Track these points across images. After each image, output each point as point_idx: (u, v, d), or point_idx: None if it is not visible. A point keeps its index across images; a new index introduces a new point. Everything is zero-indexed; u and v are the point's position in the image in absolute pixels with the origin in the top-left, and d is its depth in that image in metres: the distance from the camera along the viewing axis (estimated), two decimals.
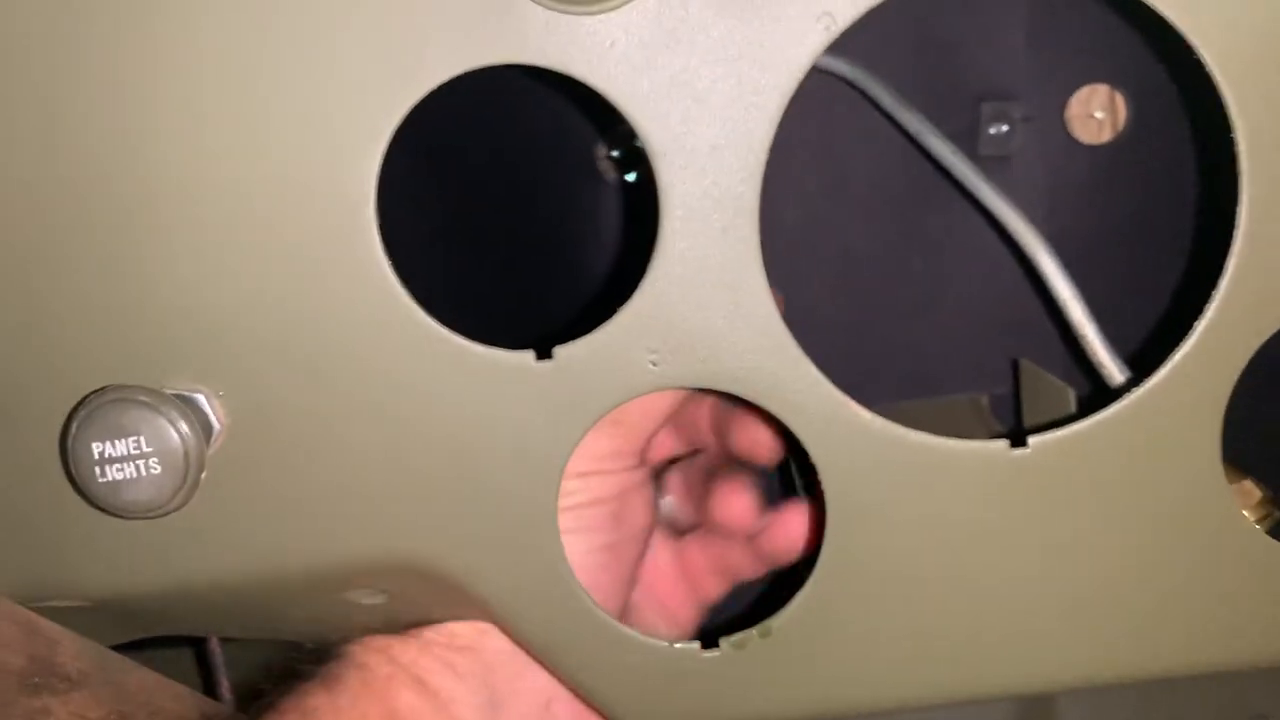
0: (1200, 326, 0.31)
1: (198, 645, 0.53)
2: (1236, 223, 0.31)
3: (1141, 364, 0.41)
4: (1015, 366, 0.55)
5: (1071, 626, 0.34)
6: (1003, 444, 0.33)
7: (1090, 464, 0.33)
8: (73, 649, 0.34)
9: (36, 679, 0.32)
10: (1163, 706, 0.67)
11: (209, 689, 0.51)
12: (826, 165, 0.58)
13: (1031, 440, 0.33)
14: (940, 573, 0.34)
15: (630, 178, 0.59)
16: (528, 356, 0.33)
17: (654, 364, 0.32)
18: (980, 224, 0.59)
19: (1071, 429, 0.33)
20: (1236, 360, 0.32)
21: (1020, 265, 0.59)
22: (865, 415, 0.33)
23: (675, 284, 0.32)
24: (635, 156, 0.58)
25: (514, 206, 0.60)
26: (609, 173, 0.59)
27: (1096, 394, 0.38)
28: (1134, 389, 0.32)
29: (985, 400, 0.59)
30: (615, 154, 0.58)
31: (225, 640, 0.51)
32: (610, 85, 0.30)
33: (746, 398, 0.33)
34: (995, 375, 0.59)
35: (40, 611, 0.34)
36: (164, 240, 0.32)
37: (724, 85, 0.30)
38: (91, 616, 0.35)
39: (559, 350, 0.33)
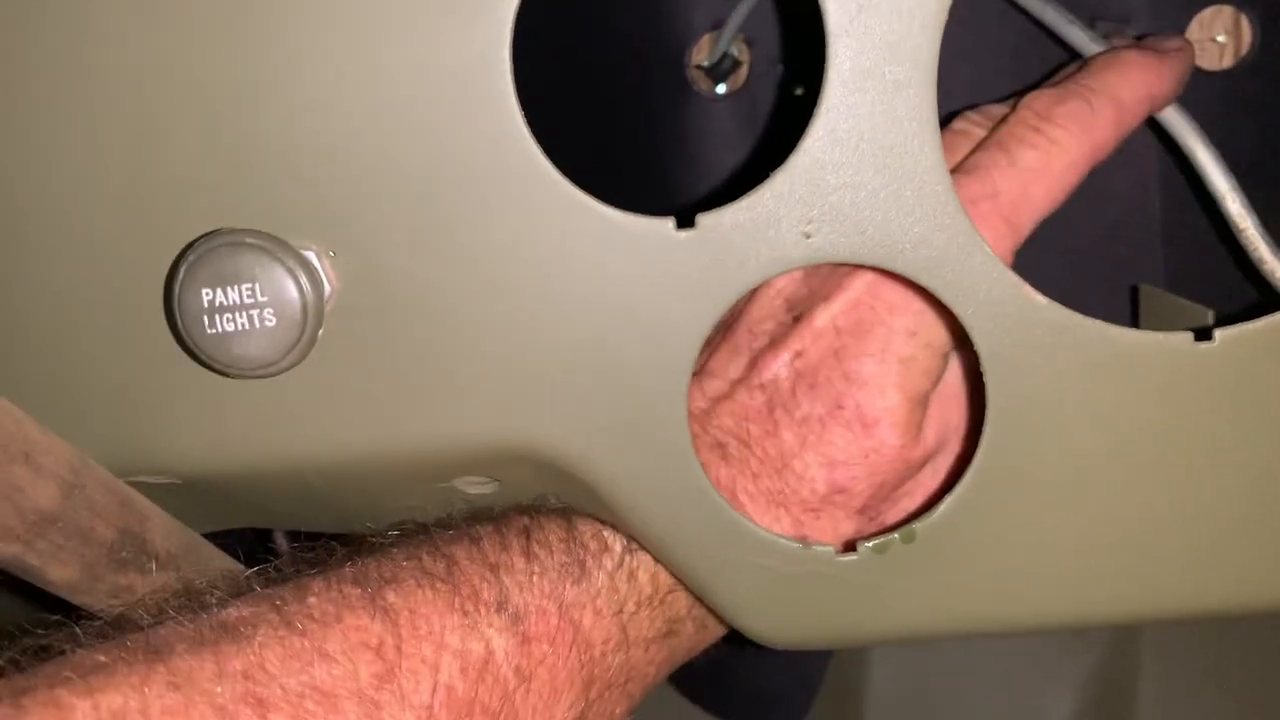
0: None
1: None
2: None
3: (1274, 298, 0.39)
4: (1135, 293, 0.52)
5: (1248, 543, 0.31)
6: (1186, 336, 0.30)
7: None
8: (163, 528, 0.31)
9: (125, 554, 0.30)
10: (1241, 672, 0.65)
11: None
12: None
13: (1217, 334, 0.30)
14: (1108, 477, 0.31)
15: (721, 90, 0.56)
16: (667, 224, 0.30)
17: (808, 235, 0.30)
18: None
19: (1263, 321, 0.30)
20: None
21: (1128, 199, 0.56)
22: (1040, 300, 0.30)
23: (838, 145, 0.29)
24: (727, 67, 0.55)
25: (599, 117, 0.57)
26: (699, 83, 0.56)
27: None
28: None
29: None
30: (706, 64, 0.55)
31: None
32: None
33: (908, 275, 0.30)
34: (1100, 312, 0.56)
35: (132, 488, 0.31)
36: (279, 85, 0.29)
37: None
38: (177, 499, 0.33)
39: (702, 218, 0.30)
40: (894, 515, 0.35)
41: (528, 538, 0.33)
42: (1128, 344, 0.30)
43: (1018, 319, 0.30)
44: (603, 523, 0.34)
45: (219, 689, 0.25)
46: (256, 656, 0.26)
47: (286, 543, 0.43)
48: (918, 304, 0.33)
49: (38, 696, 0.24)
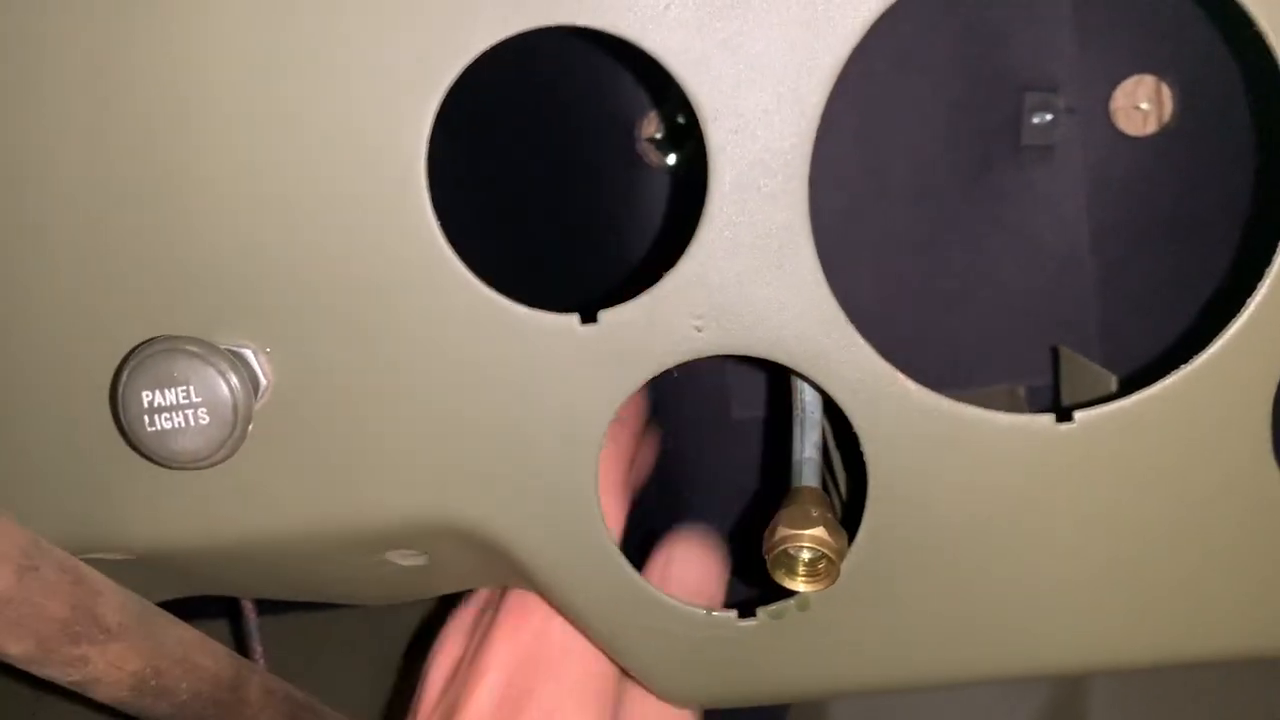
0: (1253, 304, 0.31)
1: (233, 616, 0.53)
2: None
3: (1179, 359, 0.41)
4: (1055, 353, 0.55)
5: (1111, 606, 0.34)
6: (1048, 418, 0.33)
7: (1135, 441, 0.32)
8: (115, 601, 0.34)
9: (78, 628, 0.33)
10: (1192, 709, 0.67)
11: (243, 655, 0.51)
12: (867, 152, 0.57)
13: (1077, 415, 0.32)
14: (981, 548, 0.34)
15: (671, 161, 0.59)
16: (572, 320, 0.33)
17: (699, 329, 0.32)
18: (1020, 215, 0.58)
19: (1117, 404, 0.32)
20: None
21: (1060, 257, 0.59)
22: (911, 387, 0.32)
23: (722, 249, 0.32)
24: (677, 140, 0.58)
25: (551, 190, 0.60)
26: (649, 155, 0.59)
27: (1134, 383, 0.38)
28: (1182, 367, 0.32)
29: (1022, 391, 0.59)
30: (657, 137, 0.58)
31: (260, 612, 0.51)
32: (663, 48, 0.30)
33: (791, 366, 0.33)
34: (1033, 367, 0.58)
35: (87, 564, 0.34)
36: (215, 196, 0.32)
37: (778, 48, 0.30)
38: (135, 571, 0.36)
39: (604, 314, 0.33)
40: None
41: None
42: (993, 426, 0.33)
43: (891, 404, 0.32)
44: None
45: None
46: None
47: (252, 605, 0.46)
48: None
49: None
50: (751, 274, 0.32)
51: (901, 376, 0.32)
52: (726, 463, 0.62)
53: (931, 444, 0.33)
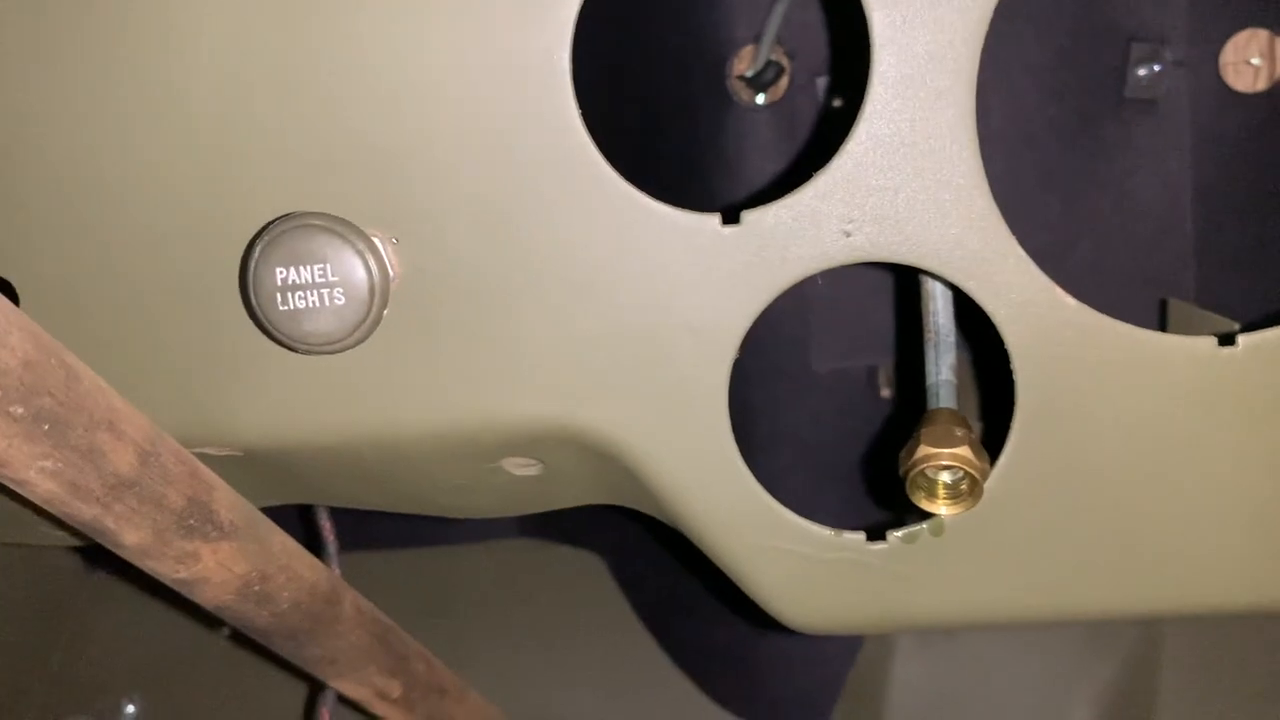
0: None
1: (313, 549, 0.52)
2: None
3: None
4: (1162, 306, 0.53)
5: (1263, 543, 0.32)
6: (1210, 341, 0.31)
7: None
8: (227, 499, 0.33)
9: (192, 521, 0.31)
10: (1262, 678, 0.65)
11: None
12: None
13: (1241, 339, 0.31)
14: (1130, 475, 0.32)
15: (760, 100, 0.57)
16: (713, 220, 0.31)
17: (848, 234, 0.31)
18: (1121, 170, 0.57)
19: None
20: None
21: (1160, 215, 0.57)
22: (1070, 302, 0.31)
23: (880, 149, 0.30)
24: (768, 78, 0.57)
25: (642, 125, 0.59)
26: (739, 93, 0.57)
27: None
28: None
29: None
30: (749, 74, 0.57)
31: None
32: None
33: (943, 275, 0.31)
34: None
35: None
36: (360, 77, 0.31)
37: None
38: (238, 472, 0.35)
39: (747, 215, 0.31)
40: None
41: None
42: (1154, 346, 0.31)
43: (1048, 319, 0.31)
44: None
45: None
46: None
47: (329, 521, 0.45)
48: None
49: None
50: (911, 176, 0.30)
51: (1060, 290, 0.31)
52: (804, 415, 0.60)
53: (1086, 363, 0.31)
